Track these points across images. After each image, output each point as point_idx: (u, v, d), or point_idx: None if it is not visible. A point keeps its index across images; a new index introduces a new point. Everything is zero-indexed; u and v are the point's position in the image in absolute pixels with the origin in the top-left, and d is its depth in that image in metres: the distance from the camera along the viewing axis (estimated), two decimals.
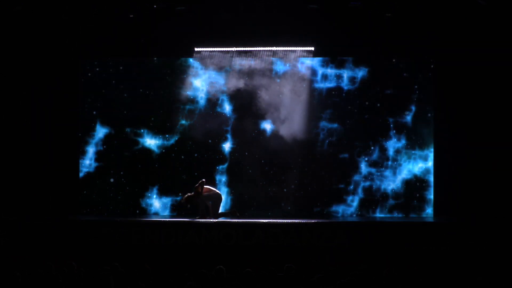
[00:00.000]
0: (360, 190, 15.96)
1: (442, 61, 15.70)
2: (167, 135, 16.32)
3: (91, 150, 16.40)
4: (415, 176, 15.89)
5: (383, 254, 12.56)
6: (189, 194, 14.16)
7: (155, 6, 15.07)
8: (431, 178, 15.82)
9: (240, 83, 16.15)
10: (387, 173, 15.95)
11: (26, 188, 15.84)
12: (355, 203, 15.92)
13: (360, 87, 16.04)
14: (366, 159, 16.01)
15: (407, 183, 15.90)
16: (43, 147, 16.06)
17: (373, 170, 15.97)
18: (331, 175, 16.01)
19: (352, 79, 16.04)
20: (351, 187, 15.96)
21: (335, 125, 16.07)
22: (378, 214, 15.83)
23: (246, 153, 16.14)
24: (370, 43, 15.69)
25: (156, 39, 15.89)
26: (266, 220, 13.45)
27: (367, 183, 15.96)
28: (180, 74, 16.33)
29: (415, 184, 15.87)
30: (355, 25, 15.35)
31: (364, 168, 15.98)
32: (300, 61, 16.06)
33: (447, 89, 15.64)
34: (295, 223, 13.25)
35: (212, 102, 16.22)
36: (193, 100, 16.26)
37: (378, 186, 15.94)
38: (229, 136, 16.25)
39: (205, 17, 15.60)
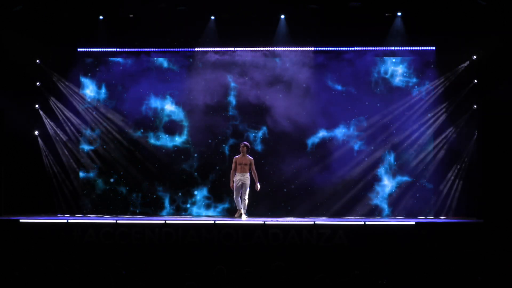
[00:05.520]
0: (360, 191, 15.96)
1: (442, 60, 15.70)
2: (167, 135, 16.33)
3: (91, 150, 16.41)
4: (415, 176, 15.88)
5: (383, 255, 12.57)
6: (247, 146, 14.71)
7: (155, 6, 15.14)
8: (431, 179, 15.81)
9: (241, 83, 16.15)
10: (387, 173, 15.94)
11: (26, 188, 15.85)
12: (355, 203, 15.92)
13: (361, 87, 16.03)
14: (366, 159, 16.01)
15: (406, 183, 15.89)
16: (42, 146, 16.08)
17: (373, 170, 15.96)
18: (331, 176, 16.00)
19: (352, 79, 16.01)
20: (353, 187, 15.96)
21: (336, 126, 16.07)
22: (377, 214, 15.86)
23: None
24: (370, 43, 15.72)
25: (156, 39, 15.93)
26: (266, 220, 13.45)
27: (367, 184, 15.95)
28: (179, 74, 16.32)
29: (415, 185, 15.87)
30: (354, 25, 15.38)
31: (364, 168, 15.97)
32: (301, 61, 16.04)
33: (447, 87, 15.67)
34: (295, 223, 13.25)
35: (213, 102, 16.21)
36: (193, 100, 16.25)
37: (378, 186, 15.95)
38: (229, 136, 16.25)
39: (205, 17, 15.64)
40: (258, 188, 14.61)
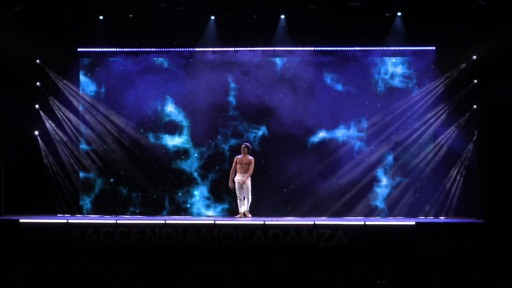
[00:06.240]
0: (360, 191, 15.95)
1: (442, 60, 15.70)
2: (167, 135, 16.33)
3: (91, 150, 16.41)
4: (415, 176, 15.87)
5: (383, 255, 12.56)
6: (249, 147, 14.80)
7: (155, 6, 15.15)
8: (431, 179, 15.81)
9: (241, 83, 16.14)
10: (387, 173, 15.94)
11: (26, 188, 15.85)
12: (355, 203, 15.91)
13: (361, 87, 16.02)
14: (366, 159, 16.01)
15: (407, 183, 15.89)
16: (42, 146, 16.09)
17: (373, 170, 15.96)
18: (331, 176, 15.99)
19: (352, 79, 16.00)
20: (353, 187, 15.95)
21: (336, 126, 16.06)
22: (377, 214, 15.86)
23: None
24: (370, 43, 15.72)
25: (156, 39, 15.94)
26: (266, 220, 13.44)
27: (367, 184, 15.95)
28: (179, 74, 16.31)
29: (415, 185, 15.86)
30: (354, 25, 15.40)
31: (364, 168, 15.96)
32: (301, 61, 16.04)
33: (447, 87, 15.68)
34: (295, 223, 13.25)
35: (213, 102, 16.20)
36: (193, 100, 16.24)
37: (378, 186, 15.94)
38: (229, 136, 16.24)
39: (205, 17, 15.64)
40: (245, 182, 14.63)
